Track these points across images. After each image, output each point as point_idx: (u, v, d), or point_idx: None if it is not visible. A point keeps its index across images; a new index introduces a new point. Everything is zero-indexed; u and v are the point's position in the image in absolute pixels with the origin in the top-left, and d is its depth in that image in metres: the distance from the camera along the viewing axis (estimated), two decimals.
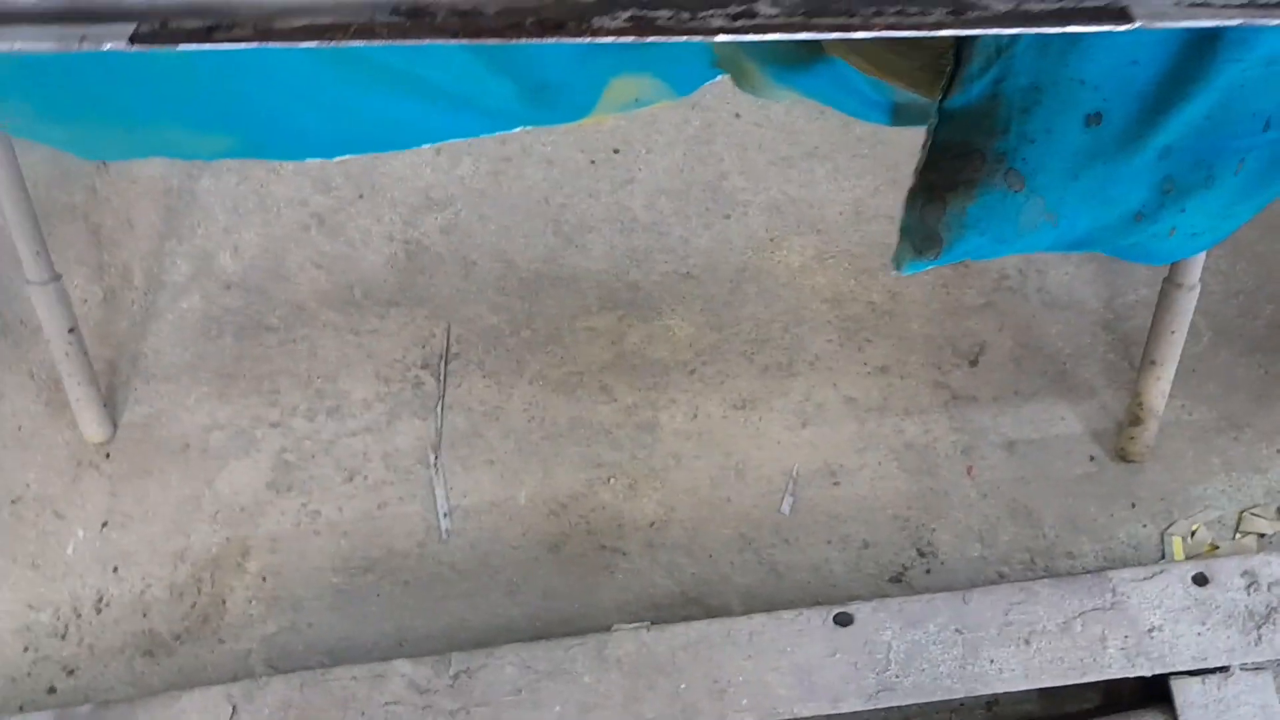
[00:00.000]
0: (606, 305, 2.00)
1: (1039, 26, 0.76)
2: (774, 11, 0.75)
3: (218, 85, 1.16)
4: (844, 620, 1.58)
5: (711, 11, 0.75)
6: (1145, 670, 1.53)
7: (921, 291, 2.00)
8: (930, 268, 1.19)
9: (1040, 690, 1.59)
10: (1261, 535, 1.80)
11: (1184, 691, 1.53)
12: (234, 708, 1.54)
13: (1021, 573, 1.79)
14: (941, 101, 1.08)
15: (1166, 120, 1.09)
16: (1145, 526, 1.82)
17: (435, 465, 1.88)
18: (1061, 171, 1.12)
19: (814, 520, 1.83)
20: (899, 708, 1.58)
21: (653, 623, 1.67)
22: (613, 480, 1.87)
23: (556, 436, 1.90)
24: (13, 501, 1.87)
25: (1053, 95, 1.06)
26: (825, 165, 2.09)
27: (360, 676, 1.55)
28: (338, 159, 1.89)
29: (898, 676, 1.53)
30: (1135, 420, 1.81)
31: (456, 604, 1.79)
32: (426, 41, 0.78)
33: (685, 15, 0.75)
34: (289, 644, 1.77)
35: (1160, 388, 1.76)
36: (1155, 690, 1.56)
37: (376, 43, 0.76)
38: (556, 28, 0.76)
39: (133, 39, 0.76)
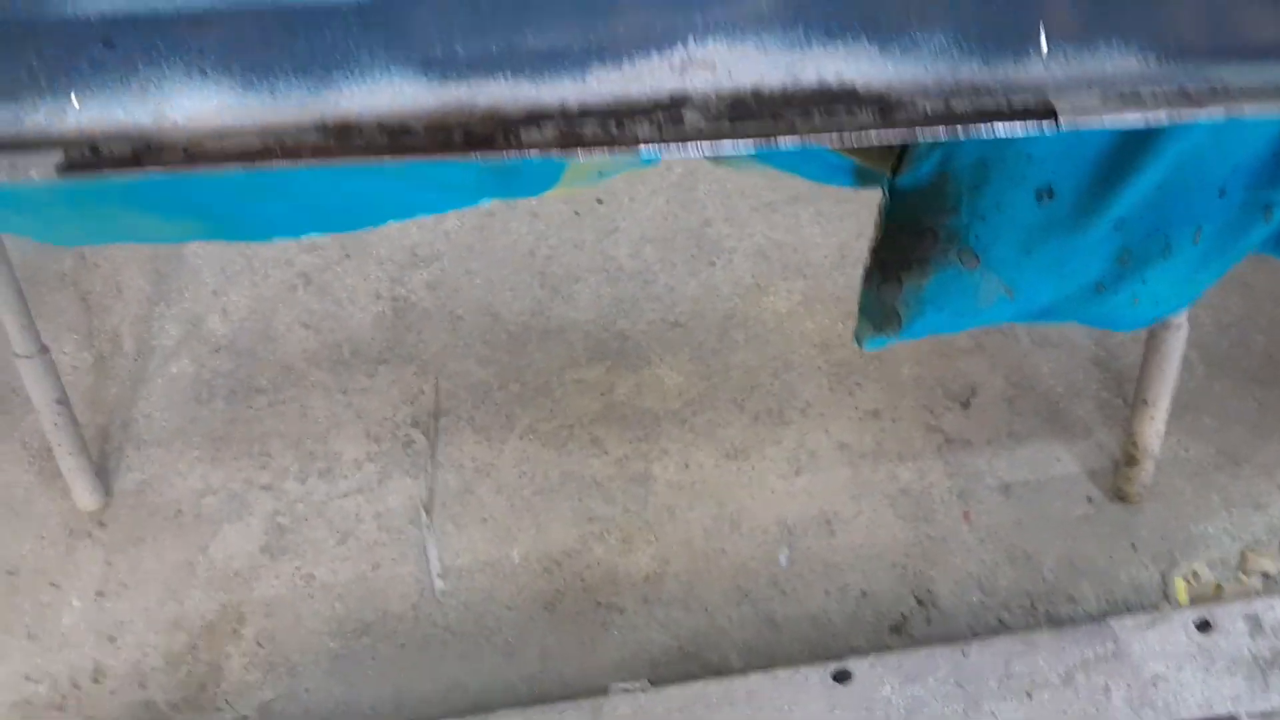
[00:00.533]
0: (595, 356, 1.99)
1: (966, 127, 0.75)
2: (699, 119, 0.74)
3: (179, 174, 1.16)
4: (842, 677, 1.56)
5: (637, 119, 0.74)
6: None
7: None
8: (892, 343, 1.18)
9: None
10: (1266, 575, 1.78)
11: None
12: None
13: (1022, 618, 1.77)
14: (892, 180, 1.08)
15: (1118, 192, 1.07)
16: (1146, 568, 1.80)
17: (427, 525, 1.87)
18: (1016, 246, 1.11)
19: (811, 570, 1.81)
20: None
21: (651, 680, 1.66)
22: (606, 535, 1.85)
23: (549, 491, 1.89)
24: (8, 573, 1.87)
25: (1001, 172, 1.06)
26: (809, 210, 2.08)
27: None
28: None
29: None
30: (1131, 461, 1.79)
31: (453, 666, 1.78)
32: (354, 163, 0.78)
33: (612, 125, 0.74)
34: (286, 710, 1.76)
35: (1154, 428, 1.74)
36: None
37: (303, 164, 0.76)
38: (485, 142, 0.76)
39: (60, 169, 0.76)
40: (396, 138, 0.75)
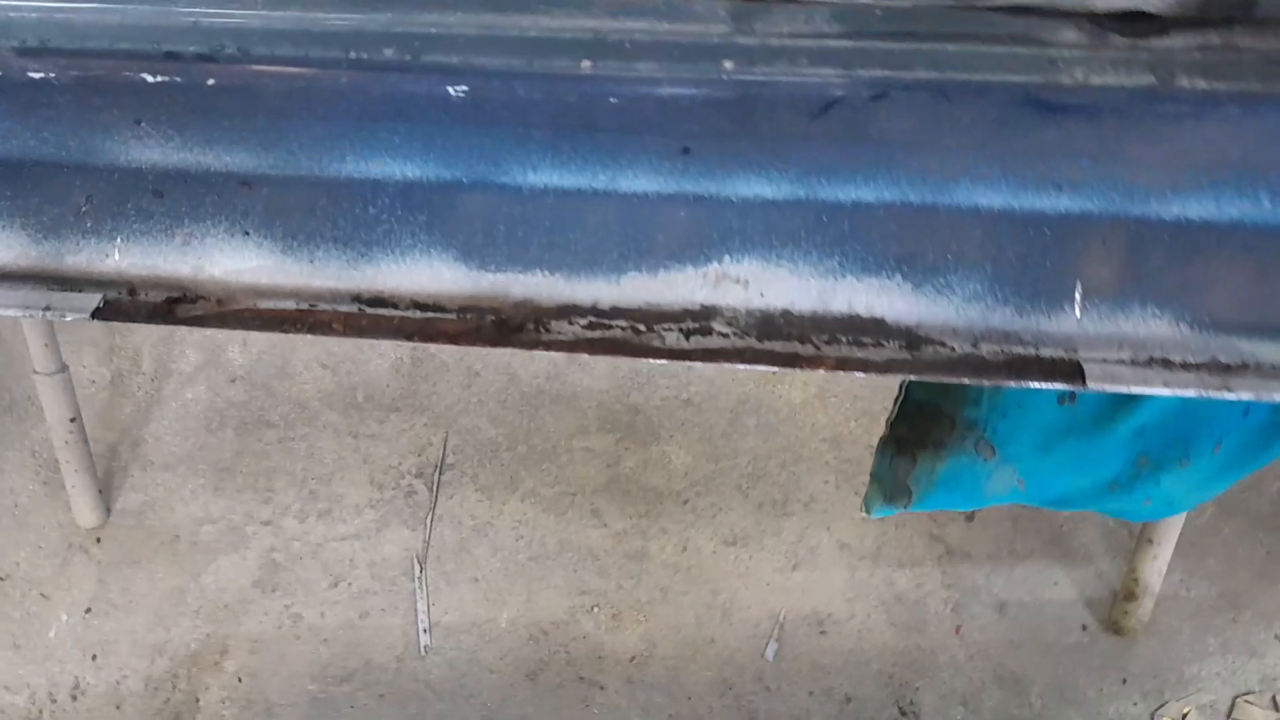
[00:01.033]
0: (605, 426, 2.00)
1: (993, 377, 0.75)
2: (727, 331, 0.75)
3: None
4: None
5: (668, 325, 0.75)
6: None
7: None
8: (900, 513, 1.18)
9: None
10: None
11: None
12: None
13: None
14: None
15: (1141, 403, 1.08)
16: (1135, 704, 1.77)
17: (420, 578, 1.88)
18: (1033, 444, 1.11)
19: (797, 669, 1.80)
20: None
21: None
22: (596, 609, 1.85)
23: (544, 558, 1.89)
24: (1, 579, 1.88)
25: None
26: None
27: None
28: None
29: None
30: (1130, 595, 1.77)
31: None
32: (382, 339, 0.79)
33: (641, 328, 0.75)
34: None
35: (1156, 566, 1.73)
36: None
37: (332, 336, 0.78)
38: (516, 330, 0.77)
39: (95, 314, 0.78)
40: (429, 316, 0.76)
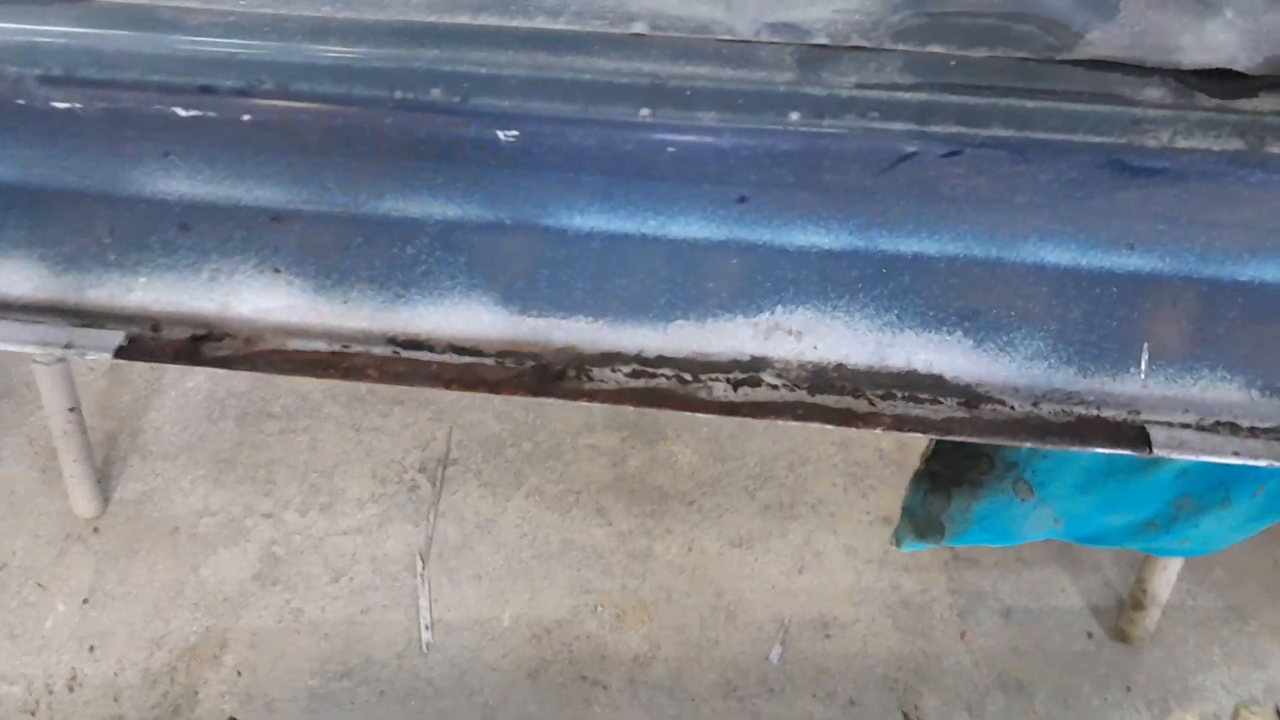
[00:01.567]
0: (611, 424, 1.97)
1: (1056, 442, 0.72)
2: (777, 383, 0.72)
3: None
4: None
5: (715, 376, 0.72)
6: None
7: None
8: (929, 548, 1.17)
9: None
10: None
11: None
12: None
13: None
14: None
15: None
16: (1139, 713, 1.77)
17: (422, 575, 1.86)
18: (1073, 485, 1.09)
19: (802, 672, 1.79)
20: None
21: None
22: (600, 609, 1.83)
23: (547, 557, 1.87)
24: None
25: None
26: None
27: None
28: None
29: None
30: (1137, 605, 1.76)
31: None
32: (419, 387, 0.76)
33: (687, 378, 0.72)
34: None
35: (1166, 577, 1.72)
36: None
37: (366, 382, 0.75)
38: (557, 378, 0.74)
39: (117, 353, 0.74)
40: (468, 361, 0.73)
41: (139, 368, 2.01)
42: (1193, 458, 0.71)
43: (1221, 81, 0.68)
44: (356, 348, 0.74)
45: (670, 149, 0.66)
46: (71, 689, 1.78)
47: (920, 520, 1.11)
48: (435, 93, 0.67)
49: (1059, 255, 0.67)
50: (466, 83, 0.68)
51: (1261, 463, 0.72)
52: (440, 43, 0.70)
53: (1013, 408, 0.70)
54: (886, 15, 0.70)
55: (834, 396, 0.72)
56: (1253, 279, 0.66)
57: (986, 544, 1.17)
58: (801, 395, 0.73)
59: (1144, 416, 0.71)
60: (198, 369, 2.00)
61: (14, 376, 1.97)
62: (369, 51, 0.69)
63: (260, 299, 0.72)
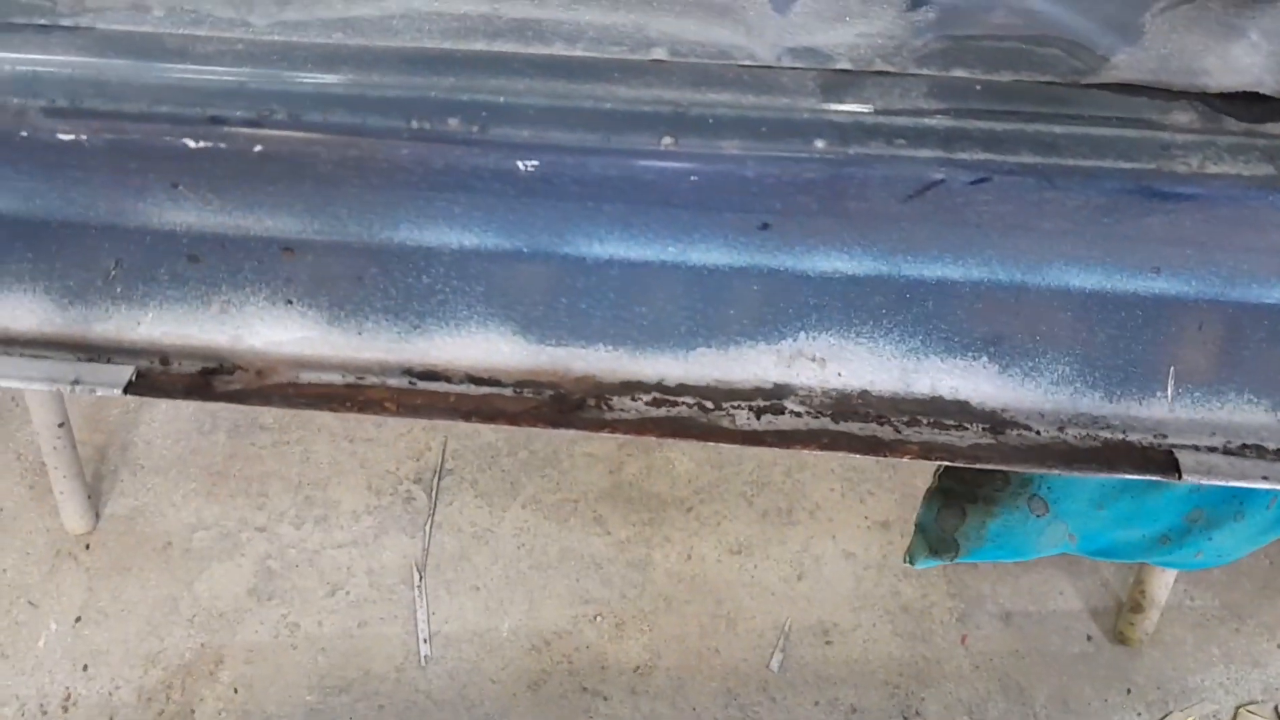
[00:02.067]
0: None
1: (1083, 469, 0.72)
2: (801, 410, 0.71)
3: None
4: None
5: (737, 404, 0.71)
6: None
7: None
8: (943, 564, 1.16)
9: None
10: None
11: None
12: None
13: None
14: None
15: None
16: (1139, 715, 1.78)
17: (419, 587, 1.84)
18: (1088, 502, 1.09)
19: (803, 680, 1.79)
20: None
21: None
22: (599, 619, 1.82)
23: (545, 567, 1.86)
24: None
25: None
26: None
27: None
28: None
29: None
30: (1136, 607, 1.77)
31: None
32: (437, 420, 0.74)
33: (709, 406, 0.71)
34: None
35: (1164, 579, 1.73)
36: None
37: (382, 415, 0.73)
38: (576, 408, 0.73)
39: (126, 389, 0.73)
40: (485, 392, 0.71)
41: None
42: (1222, 483, 0.70)
43: (1249, 105, 0.67)
44: (372, 379, 0.73)
45: (692, 177, 0.65)
46: (65, 709, 1.76)
47: (934, 537, 1.11)
48: (452, 122, 0.66)
49: (1085, 280, 0.66)
50: (484, 112, 0.66)
51: None
52: (456, 70, 0.68)
53: (1038, 433, 0.70)
54: (909, 39, 0.69)
55: (859, 424, 0.71)
56: (1278, 302, 0.66)
57: (1000, 560, 1.16)
58: (826, 423, 0.72)
59: (1171, 441, 0.70)
60: None
61: (1, 392, 1.94)
62: (382, 80, 0.68)
63: (272, 331, 0.70)
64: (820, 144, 0.65)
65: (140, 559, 1.85)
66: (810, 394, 0.70)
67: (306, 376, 0.73)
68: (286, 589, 1.83)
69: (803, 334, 0.69)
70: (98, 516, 1.87)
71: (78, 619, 1.81)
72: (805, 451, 0.75)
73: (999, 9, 0.67)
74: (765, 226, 0.66)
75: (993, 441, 0.71)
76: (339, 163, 0.66)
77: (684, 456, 1.95)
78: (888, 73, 0.69)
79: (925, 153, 0.65)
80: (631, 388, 0.70)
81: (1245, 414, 0.68)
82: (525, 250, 0.68)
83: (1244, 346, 0.67)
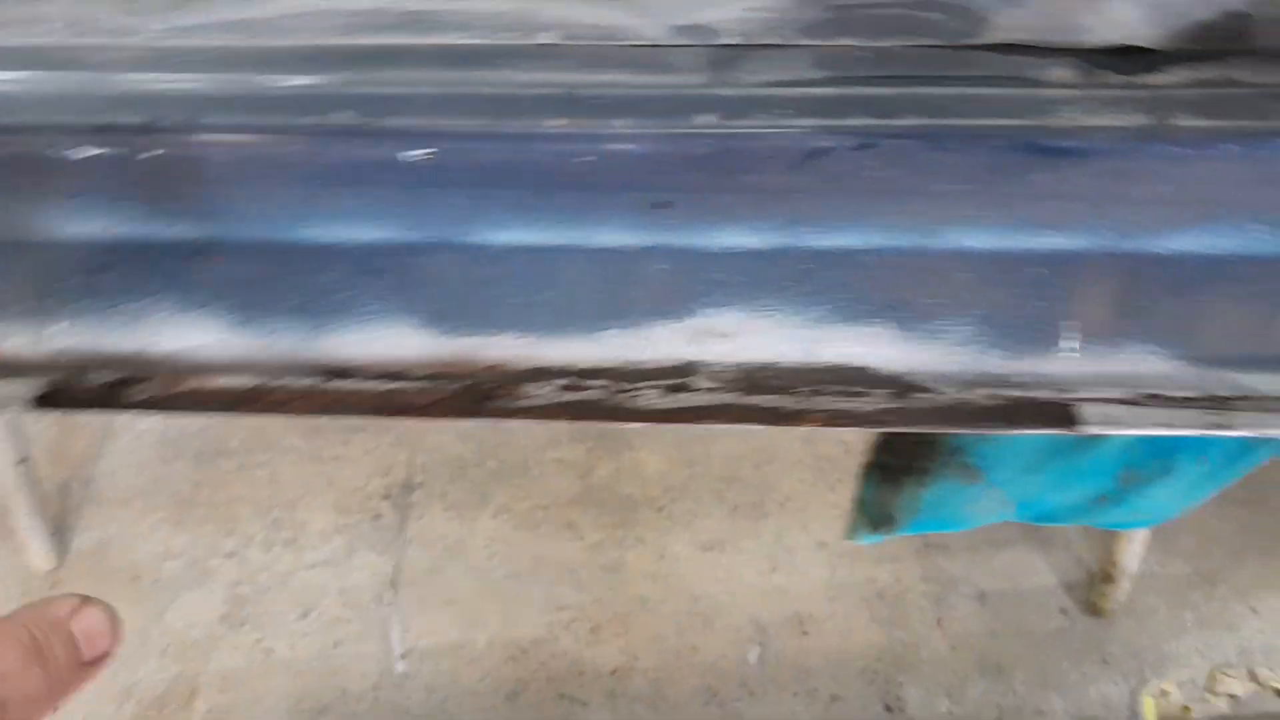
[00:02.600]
0: (575, 436, 1.96)
1: (987, 426, 0.72)
2: (710, 385, 0.71)
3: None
4: None
5: (648, 383, 0.71)
6: None
7: None
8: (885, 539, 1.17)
9: None
10: (1233, 696, 1.77)
11: None
12: None
13: None
14: None
15: None
16: (1117, 684, 1.78)
17: (393, 603, 1.83)
18: (1020, 467, 1.09)
19: (781, 672, 1.79)
20: None
21: None
22: (575, 624, 1.82)
23: (519, 575, 1.86)
24: None
25: None
26: None
27: None
28: None
29: None
30: (1107, 578, 1.78)
31: None
32: (345, 416, 0.74)
33: (620, 387, 0.72)
34: None
35: (1133, 549, 1.73)
36: None
37: (290, 415, 0.73)
38: (486, 397, 0.73)
39: (38, 402, 0.72)
40: (393, 387, 0.71)
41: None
42: (1125, 432, 0.71)
43: (1127, 58, 0.68)
44: (286, 380, 0.73)
45: (587, 158, 0.66)
46: None
47: (873, 513, 1.11)
48: (344, 116, 0.66)
49: (980, 240, 0.67)
50: (376, 103, 0.66)
51: (1193, 432, 0.72)
52: (347, 65, 0.69)
53: (943, 394, 0.70)
54: (795, 11, 0.70)
55: (766, 396, 0.72)
56: (1170, 251, 0.66)
57: (940, 530, 1.17)
58: (734, 397, 0.72)
59: (1074, 395, 0.71)
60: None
61: None
62: (274, 79, 0.68)
63: (181, 338, 0.70)
64: (710, 119, 0.65)
65: (109, 592, 1.83)
66: (719, 369, 0.71)
67: (216, 382, 0.73)
68: (259, 614, 1.83)
69: (709, 310, 0.69)
70: (64, 552, 1.86)
71: None
72: (716, 427, 0.75)
73: None
74: (664, 204, 0.66)
75: (897, 406, 0.71)
76: (236, 163, 0.66)
77: (654, 456, 1.95)
78: (774, 45, 0.69)
79: (811, 121, 0.65)
80: (542, 373, 0.71)
81: (1146, 364, 0.69)
82: (426, 241, 0.68)
83: (1139, 298, 0.68)
